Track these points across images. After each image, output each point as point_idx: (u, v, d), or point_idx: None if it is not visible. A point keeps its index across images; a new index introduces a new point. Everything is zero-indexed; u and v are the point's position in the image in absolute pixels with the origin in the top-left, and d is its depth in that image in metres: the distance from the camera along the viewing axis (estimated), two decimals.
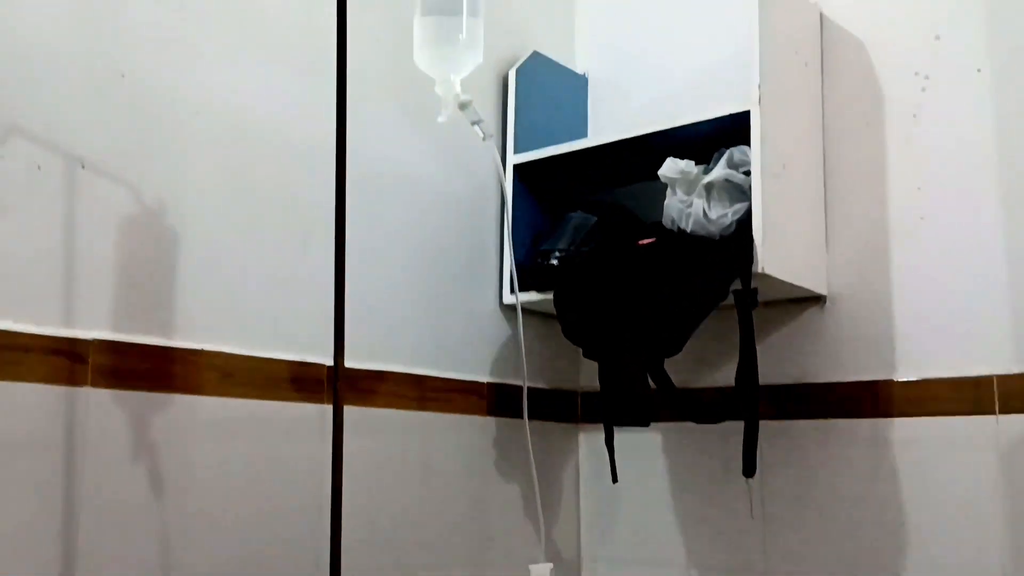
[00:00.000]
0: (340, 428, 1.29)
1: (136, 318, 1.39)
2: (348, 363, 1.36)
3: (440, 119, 1.19)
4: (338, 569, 1.29)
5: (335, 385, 1.30)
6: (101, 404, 1.33)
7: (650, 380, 1.66)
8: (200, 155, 1.49)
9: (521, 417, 1.71)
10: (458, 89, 1.19)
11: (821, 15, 1.85)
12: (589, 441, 2.04)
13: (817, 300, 1.79)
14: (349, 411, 1.35)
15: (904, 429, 1.69)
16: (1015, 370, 1.59)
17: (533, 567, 1.60)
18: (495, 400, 1.89)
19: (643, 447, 1.94)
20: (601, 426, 1.79)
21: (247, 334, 1.51)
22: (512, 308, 1.90)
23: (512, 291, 1.86)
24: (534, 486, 1.67)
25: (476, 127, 1.20)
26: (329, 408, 1.45)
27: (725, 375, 1.80)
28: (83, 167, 1.35)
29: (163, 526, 1.39)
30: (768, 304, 1.77)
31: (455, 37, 1.18)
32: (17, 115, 1.29)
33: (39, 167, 1.31)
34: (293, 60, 1.62)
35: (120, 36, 1.41)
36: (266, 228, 1.56)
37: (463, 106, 1.18)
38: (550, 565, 1.59)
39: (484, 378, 1.88)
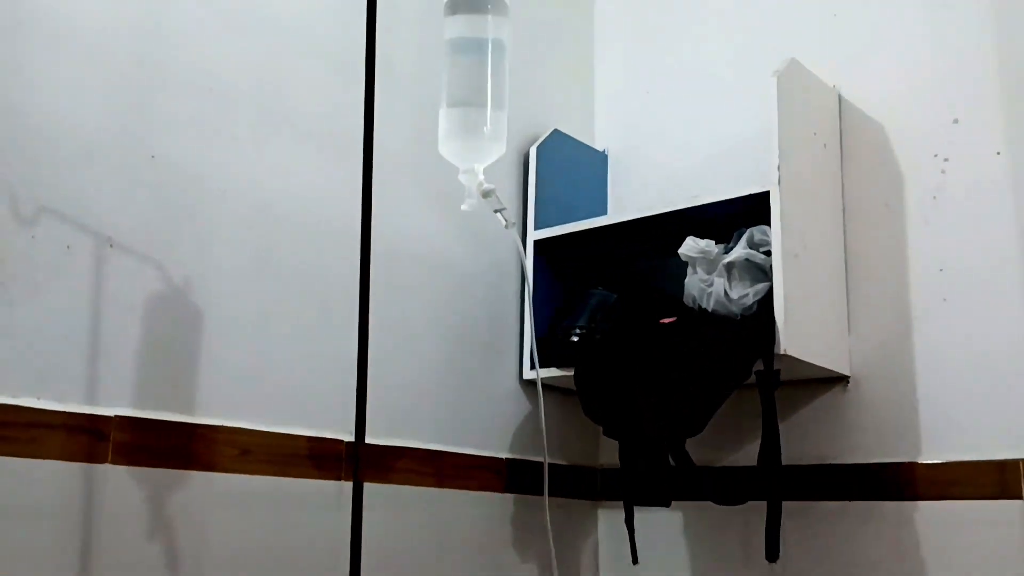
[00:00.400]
0: (360, 505, 1.28)
1: (158, 395, 1.40)
2: (367, 439, 1.36)
3: (463, 207, 1.21)
4: None
5: (356, 463, 1.30)
6: (120, 480, 1.34)
7: (671, 459, 1.65)
8: (226, 235, 1.51)
9: (538, 494, 1.69)
10: (481, 178, 1.21)
11: (840, 97, 1.86)
12: (608, 519, 2.01)
13: (840, 380, 1.78)
14: (367, 487, 1.34)
15: (928, 512, 1.66)
16: None
17: None
18: (513, 477, 1.87)
19: (664, 527, 1.91)
20: (621, 503, 1.77)
21: (266, 410, 1.52)
22: (531, 384, 1.90)
23: (532, 367, 1.85)
24: (552, 565, 1.65)
25: (499, 215, 1.22)
26: (347, 484, 1.44)
27: (747, 455, 1.79)
28: (111, 246, 1.37)
29: None
30: (790, 384, 1.75)
31: (479, 129, 1.20)
32: (48, 196, 1.32)
33: (68, 246, 1.33)
34: (319, 143, 1.65)
35: (150, 119, 1.44)
36: (289, 306, 1.57)
37: (486, 195, 1.20)
38: None
39: (502, 454, 1.87)
